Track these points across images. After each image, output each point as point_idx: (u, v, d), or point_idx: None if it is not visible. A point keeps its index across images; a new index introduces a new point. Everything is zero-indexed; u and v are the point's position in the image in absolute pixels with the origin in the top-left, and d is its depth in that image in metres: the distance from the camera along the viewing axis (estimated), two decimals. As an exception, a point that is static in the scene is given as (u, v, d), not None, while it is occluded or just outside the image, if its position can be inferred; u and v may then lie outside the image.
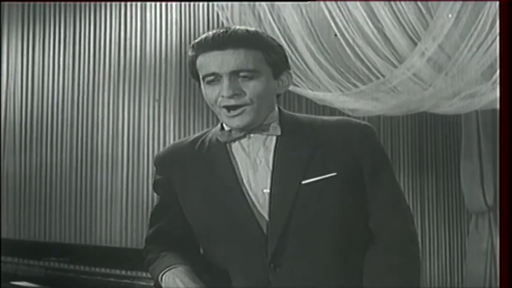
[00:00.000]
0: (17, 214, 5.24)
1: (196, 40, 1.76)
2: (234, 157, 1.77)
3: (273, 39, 1.79)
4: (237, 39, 1.71)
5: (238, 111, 1.71)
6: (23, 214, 5.25)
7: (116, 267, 4.05)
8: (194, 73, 1.78)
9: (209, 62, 1.71)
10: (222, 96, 1.71)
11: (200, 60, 1.74)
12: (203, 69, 1.73)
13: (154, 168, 1.90)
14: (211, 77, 1.72)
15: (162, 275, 1.77)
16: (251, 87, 1.71)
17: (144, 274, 3.77)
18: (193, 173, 1.80)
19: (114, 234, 5.35)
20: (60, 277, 4.16)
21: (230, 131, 1.78)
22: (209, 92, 1.74)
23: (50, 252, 4.49)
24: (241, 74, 1.70)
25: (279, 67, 1.77)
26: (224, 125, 1.81)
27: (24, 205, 5.26)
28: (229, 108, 1.71)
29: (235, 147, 1.78)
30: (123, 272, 4.00)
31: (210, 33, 1.74)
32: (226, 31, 1.72)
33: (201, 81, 1.76)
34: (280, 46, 1.80)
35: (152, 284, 1.89)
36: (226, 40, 1.70)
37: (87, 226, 5.33)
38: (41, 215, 5.28)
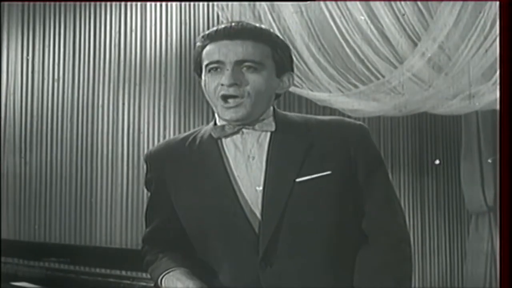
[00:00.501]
0: (17, 215, 5.23)
1: (207, 31, 1.78)
2: (225, 154, 1.77)
3: (283, 40, 1.81)
4: (247, 31, 1.73)
5: (235, 102, 1.71)
6: (23, 215, 5.25)
7: (116, 268, 4.05)
8: (198, 64, 1.79)
9: (215, 50, 1.73)
10: (222, 85, 1.71)
11: (207, 49, 1.75)
12: (208, 57, 1.74)
13: (145, 166, 1.88)
14: (215, 65, 1.73)
15: (162, 278, 1.77)
16: (252, 80, 1.72)
17: (143, 275, 3.77)
18: (184, 170, 1.79)
19: (114, 235, 5.35)
20: (60, 278, 4.16)
21: (223, 126, 1.77)
22: (209, 81, 1.75)
23: (50, 253, 4.49)
24: (246, 64, 1.72)
25: (283, 65, 1.79)
26: (217, 121, 1.80)
27: (24, 206, 5.26)
28: (226, 98, 1.71)
29: (227, 143, 1.77)
30: (123, 273, 4.00)
31: (223, 25, 1.76)
32: (238, 23, 1.75)
33: (203, 71, 1.77)
34: (288, 47, 1.82)
35: (151, 284, 1.88)
36: (236, 31, 1.73)
37: (87, 227, 5.33)
38: (41, 216, 5.28)
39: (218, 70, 1.73)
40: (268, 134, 1.76)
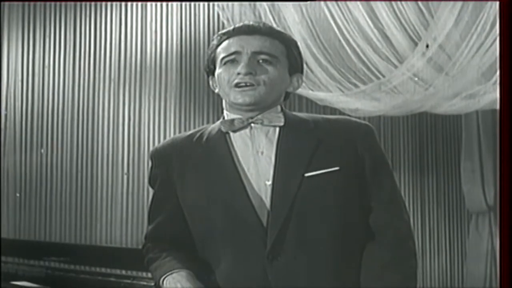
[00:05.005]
0: (18, 214, 5.24)
1: (224, 30, 1.85)
2: (234, 149, 1.78)
3: (296, 42, 1.88)
4: (265, 29, 1.81)
5: (251, 87, 1.75)
6: (24, 214, 5.25)
7: (117, 267, 4.05)
8: (211, 61, 1.84)
9: (233, 43, 1.79)
10: (238, 74, 1.76)
11: (223, 44, 1.81)
12: (225, 51, 1.80)
13: (150, 162, 1.89)
14: (231, 57, 1.78)
15: (164, 279, 1.76)
16: (267, 71, 1.77)
17: (144, 274, 3.77)
18: (192, 165, 1.80)
19: (114, 234, 5.36)
20: (60, 277, 4.16)
21: (232, 120, 1.79)
22: (224, 72, 1.79)
23: (50, 252, 4.49)
24: (262, 57, 1.77)
25: (296, 64, 1.85)
26: (226, 115, 1.83)
27: (24, 205, 5.27)
28: (241, 85, 1.75)
29: (236, 138, 1.79)
30: (124, 272, 4.00)
31: (240, 23, 1.84)
32: (256, 22, 1.83)
33: (217, 66, 1.81)
34: (300, 49, 1.88)
35: (152, 284, 1.88)
36: (254, 28, 1.81)
37: (87, 226, 5.33)
38: (42, 215, 5.29)
39: (235, 62, 1.78)
40: (277, 129, 1.79)
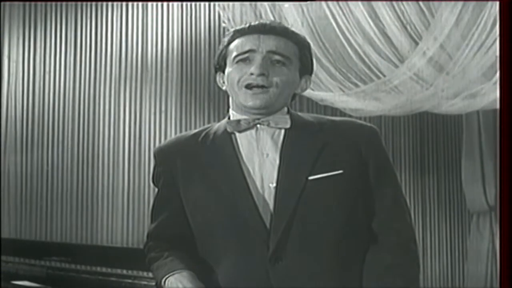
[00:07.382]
0: (18, 213, 5.24)
1: (238, 27, 1.83)
2: (239, 149, 1.77)
3: (309, 43, 1.87)
4: (280, 29, 1.80)
5: (262, 89, 1.74)
6: (24, 214, 5.26)
7: (117, 267, 4.05)
8: (222, 58, 1.82)
9: (247, 41, 1.78)
10: (251, 74, 1.74)
11: (236, 42, 1.79)
12: (238, 49, 1.78)
13: (154, 160, 1.88)
14: (245, 55, 1.76)
15: (165, 279, 1.75)
16: (280, 72, 1.76)
17: (145, 274, 3.77)
18: (196, 164, 1.79)
19: (115, 233, 5.36)
20: (61, 277, 4.16)
21: (238, 121, 1.78)
22: (235, 71, 1.77)
23: (51, 252, 4.49)
24: (276, 57, 1.76)
25: (307, 66, 1.84)
26: (232, 115, 1.82)
27: (25, 204, 5.27)
28: (251, 87, 1.74)
29: (241, 139, 1.78)
30: (124, 272, 4.00)
31: (256, 22, 1.82)
32: (271, 22, 1.82)
33: (228, 63, 1.80)
34: (311, 51, 1.87)
35: (153, 283, 1.88)
36: (270, 27, 1.79)
37: (88, 225, 5.34)
38: (42, 214, 5.29)
39: (247, 61, 1.76)
40: (282, 131, 1.78)
